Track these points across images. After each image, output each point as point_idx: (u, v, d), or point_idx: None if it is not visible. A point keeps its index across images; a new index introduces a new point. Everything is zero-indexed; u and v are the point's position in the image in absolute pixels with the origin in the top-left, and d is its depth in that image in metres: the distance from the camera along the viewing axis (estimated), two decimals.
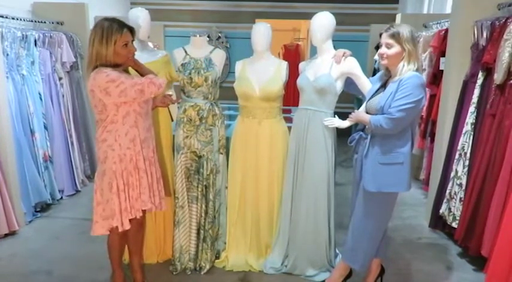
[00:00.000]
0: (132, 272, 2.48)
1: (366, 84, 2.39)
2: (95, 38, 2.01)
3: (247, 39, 2.79)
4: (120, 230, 2.15)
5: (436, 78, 3.89)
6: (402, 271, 2.79)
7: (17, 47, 3.50)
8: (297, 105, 2.65)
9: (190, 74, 2.59)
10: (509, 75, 2.58)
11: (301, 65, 2.68)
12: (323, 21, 2.46)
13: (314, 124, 2.50)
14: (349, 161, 3.01)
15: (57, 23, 4.27)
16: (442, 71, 3.65)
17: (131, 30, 2.08)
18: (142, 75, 2.18)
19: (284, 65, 2.66)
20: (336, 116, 2.49)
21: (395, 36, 2.05)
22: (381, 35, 2.15)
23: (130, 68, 2.22)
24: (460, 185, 3.00)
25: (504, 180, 2.50)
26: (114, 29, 2.00)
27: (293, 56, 7.46)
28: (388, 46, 2.08)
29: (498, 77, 2.64)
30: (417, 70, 2.08)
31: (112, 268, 2.41)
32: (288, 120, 2.89)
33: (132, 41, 2.10)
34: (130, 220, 2.17)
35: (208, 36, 6.40)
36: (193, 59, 2.62)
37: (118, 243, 2.29)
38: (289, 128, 2.70)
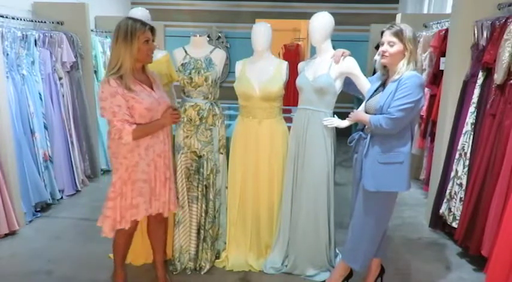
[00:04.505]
0: (155, 268, 2.50)
1: (365, 84, 2.39)
2: (119, 36, 2.03)
3: (247, 39, 2.79)
4: (102, 235, 2.17)
5: (436, 78, 3.89)
6: (402, 271, 2.79)
7: (17, 47, 3.50)
8: (297, 105, 2.65)
9: (190, 73, 2.59)
10: (510, 75, 2.58)
11: (300, 65, 2.68)
12: (321, 22, 2.46)
13: (313, 124, 2.50)
14: (349, 161, 3.01)
15: (57, 23, 4.27)
16: (442, 71, 3.65)
17: (152, 30, 2.13)
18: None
19: (284, 64, 2.66)
20: (335, 115, 2.49)
21: (399, 35, 2.03)
22: (382, 33, 2.12)
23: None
24: (460, 184, 3.00)
25: (504, 180, 2.50)
26: (137, 25, 2.05)
27: (293, 56, 7.47)
28: (391, 44, 2.06)
29: (498, 77, 2.64)
30: (416, 70, 2.08)
31: (114, 266, 2.40)
32: (288, 120, 2.88)
33: (153, 40, 2.14)
34: (120, 230, 2.18)
35: (208, 36, 6.44)
36: (194, 59, 2.62)
37: (122, 243, 2.29)
38: (289, 128, 2.70)
